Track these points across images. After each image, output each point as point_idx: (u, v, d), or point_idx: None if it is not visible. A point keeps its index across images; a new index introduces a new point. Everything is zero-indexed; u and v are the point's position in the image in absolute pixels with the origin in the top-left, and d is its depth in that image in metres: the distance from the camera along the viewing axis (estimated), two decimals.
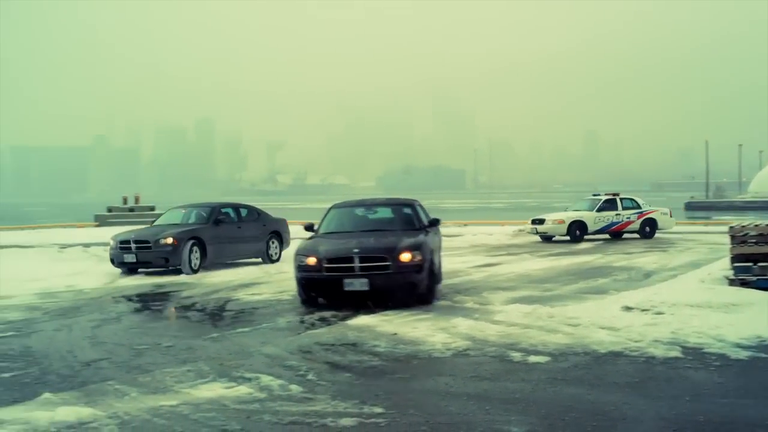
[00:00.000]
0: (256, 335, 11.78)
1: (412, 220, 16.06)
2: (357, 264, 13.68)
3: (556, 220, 32.19)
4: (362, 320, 12.68)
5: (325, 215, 16.59)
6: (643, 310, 12.23)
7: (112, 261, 21.56)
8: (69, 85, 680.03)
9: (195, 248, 21.34)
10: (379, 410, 7.47)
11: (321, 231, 15.95)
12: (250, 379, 8.82)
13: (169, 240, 20.91)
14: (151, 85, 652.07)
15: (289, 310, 14.17)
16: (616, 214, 32.58)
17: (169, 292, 17.47)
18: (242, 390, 8.36)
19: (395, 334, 11.37)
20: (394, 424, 7.05)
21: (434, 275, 14.77)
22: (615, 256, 24.20)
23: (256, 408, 7.67)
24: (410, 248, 13.99)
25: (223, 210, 23.72)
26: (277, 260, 24.23)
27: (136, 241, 21.21)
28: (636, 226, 32.80)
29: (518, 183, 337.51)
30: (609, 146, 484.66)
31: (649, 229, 32.88)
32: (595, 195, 34.65)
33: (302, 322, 12.94)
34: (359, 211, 16.92)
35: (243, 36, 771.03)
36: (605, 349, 9.98)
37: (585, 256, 24.58)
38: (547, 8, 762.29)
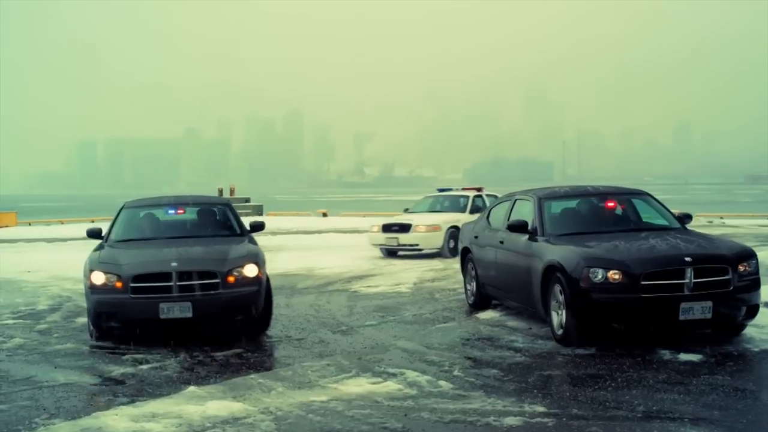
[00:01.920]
0: (386, 329, 11.57)
1: (666, 217, 11.65)
2: (689, 279, 9.36)
3: (431, 225, 22.31)
4: (489, 314, 12.41)
5: (542, 209, 11.31)
6: None
7: (98, 318, 10.80)
8: (161, 79, 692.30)
9: None
10: (541, 409, 7.16)
11: (548, 231, 10.96)
12: (395, 375, 8.59)
13: (253, 270, 10.94)
14: (240, 78, 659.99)
15: (411, 303, 13.94)
16: None
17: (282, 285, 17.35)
18: (391, 386, 8.13)
19: (530, 328, 11.05)
20: (562, 425, 6.73)
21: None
22: None
23: (410, 405, 7.44)
24: (748, 255, 9.99)
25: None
26: None
27: (186, 274, 10.62)
28: None
29: (607, 175, 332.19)
30: (701, 138, 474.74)
31: None
32: (442, 190, 26.40)
33: (428, 315, 12.68)
34: (588, 204, 11.83)
35: (332, 29, 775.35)
36: (757, 348, 9.53)
37: None
38: None
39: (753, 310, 9.86)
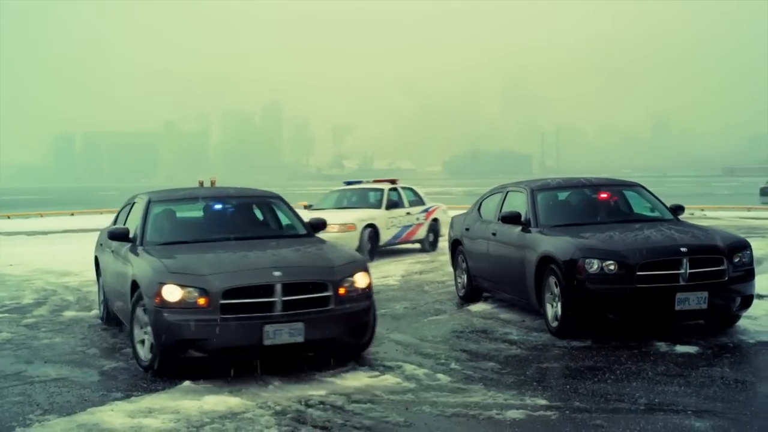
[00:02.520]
0: (378, 322, 11.40)
1: (659, 208, 11.67)
2: (685, 270, 9.35)
3: (346, 224, 19.10)
4: (481, 306, 12.36)
5: (535, 201, 11.23)
6: None
7: (176, 347, 8.27)
8: (139, 71, 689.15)
9: None
10: (542, 402, 7.11)
11: (542, 222, 10.89)
12: (392, 368, 8.52)
13: (365, 280, 8.91)
14: (219, 71, 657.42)
15: (401, 296, 13.86)
16: (407, 214, 21.10)
17: None
18: (389, 379, 8.06)
19: (523, 321, 11.01)
20: (566, 418, 6.68)
21: None
22: None
23: (410, 399, 7.37)
24: (742, 246, 9.98)
25: None
26: None
27: (291, 287, 8.27)
28: (423, 232, 21.62)
29: (586, 168, 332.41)
30: (679, 131, 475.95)
31: (433, 236, 21.97)
32: (350, 183, 23.20)
33: (419, 308, 12.61)
34: (581, 195, 11.85)
35: (311, 22, 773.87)
36: (753, 339, 9.54)
37: None
38: None
39: (747, 301, 9.85)
